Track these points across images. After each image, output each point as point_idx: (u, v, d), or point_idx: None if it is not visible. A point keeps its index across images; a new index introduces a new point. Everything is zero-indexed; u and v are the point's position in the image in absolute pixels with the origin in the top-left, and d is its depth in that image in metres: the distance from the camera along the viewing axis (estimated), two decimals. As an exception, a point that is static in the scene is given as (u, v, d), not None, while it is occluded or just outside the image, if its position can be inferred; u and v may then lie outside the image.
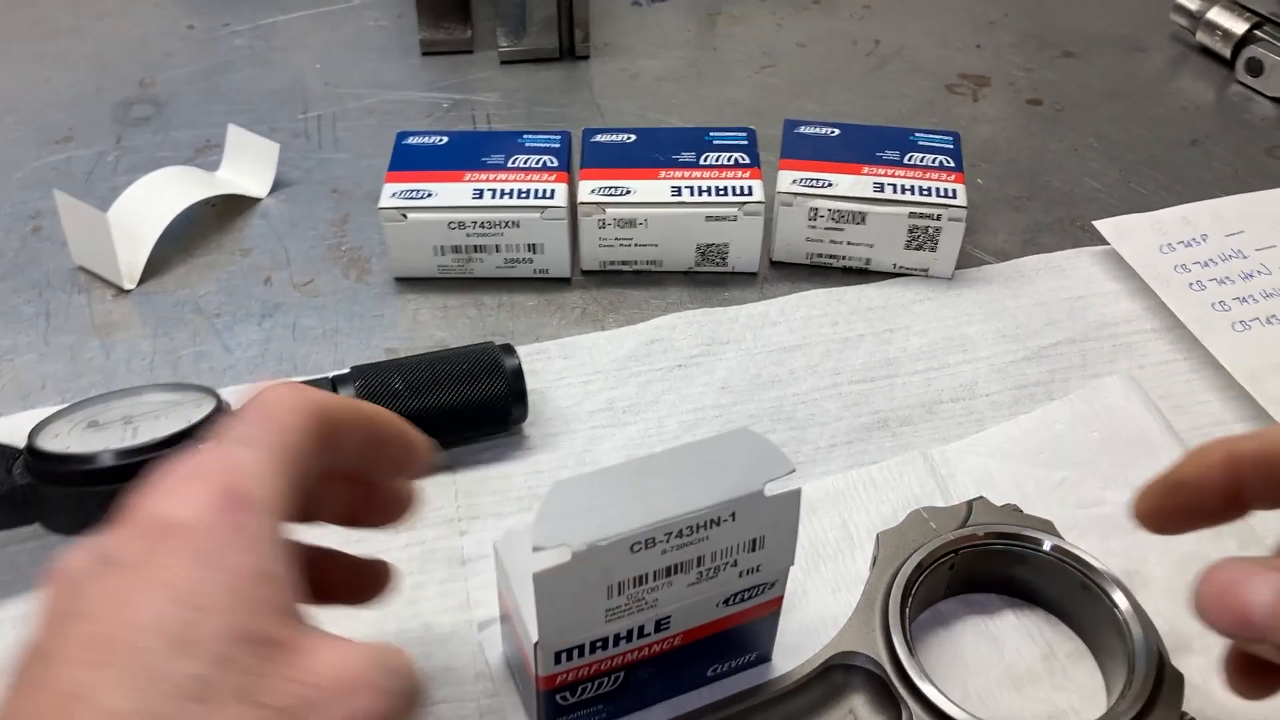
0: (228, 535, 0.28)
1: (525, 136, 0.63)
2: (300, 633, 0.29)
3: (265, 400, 0.32)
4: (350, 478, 0.38)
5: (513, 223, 0.59)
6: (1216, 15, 0.80)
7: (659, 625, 0.39)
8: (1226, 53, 0.80)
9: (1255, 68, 0.78)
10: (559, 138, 0.63)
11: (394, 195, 0.59)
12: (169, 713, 0.26)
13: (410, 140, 0.63)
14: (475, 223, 0.59)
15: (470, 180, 0.60)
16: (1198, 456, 0.36)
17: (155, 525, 0.29)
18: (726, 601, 0.40)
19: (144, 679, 0.26)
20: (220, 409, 0.47)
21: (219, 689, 0.26)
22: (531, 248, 0.60)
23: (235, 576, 0.28)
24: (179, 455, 0.31)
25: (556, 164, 0.61)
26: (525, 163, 0.61)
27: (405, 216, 0.58)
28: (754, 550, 0.39)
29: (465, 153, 0.62)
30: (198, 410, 0.47)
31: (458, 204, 0.59)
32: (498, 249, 0.60)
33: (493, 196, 0.59)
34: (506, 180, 0.60)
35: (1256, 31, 0.78)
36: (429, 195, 0.59)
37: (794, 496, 0.38)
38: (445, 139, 0.63)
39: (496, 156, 0.61)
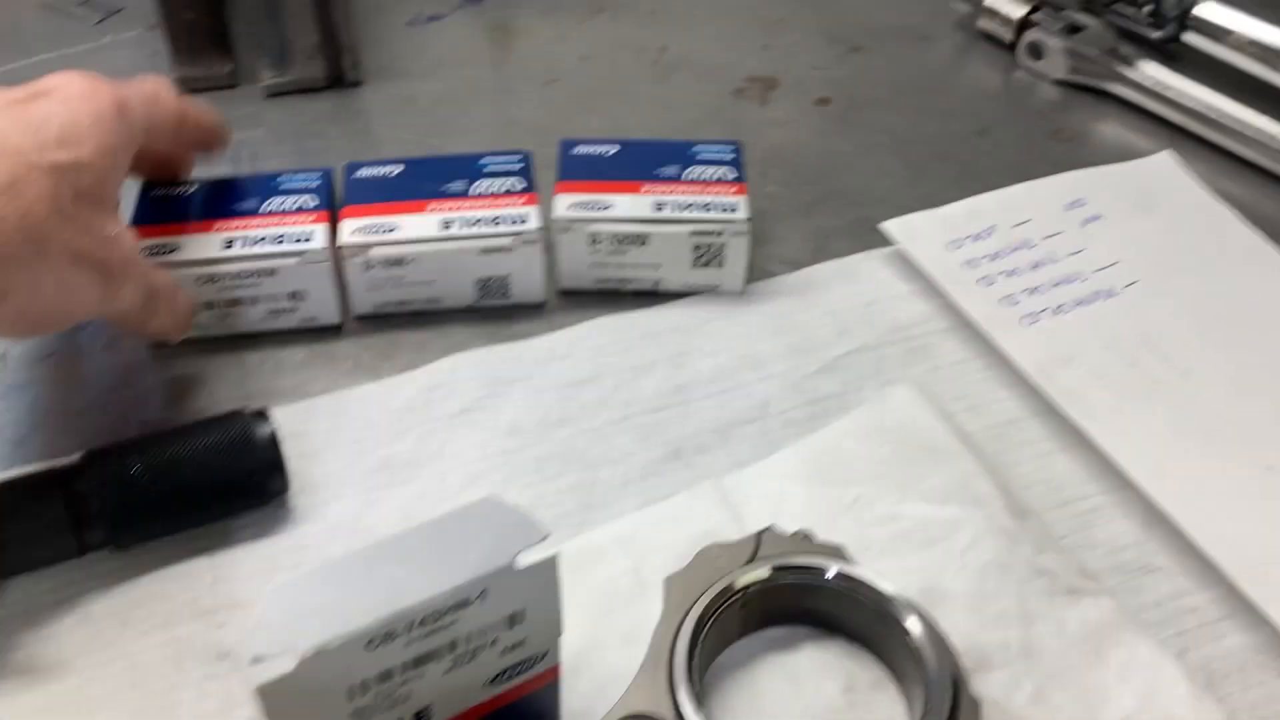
0: (101, 107, 0.47)
1: (281, 177, 0.59)
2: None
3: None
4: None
5: (268, 271, 0.55)
6: (995, 1, 0.80)
7: (419, 717, 0.36)
8: (1008, 38, 0.80)
9: (1036, 51, 0.78)
10: (319, 175, 0.59)
11: (140, 252, 0.54)
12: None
13: (156, 192, 0.58)
14: (228, 274, 0.54)
15: (220, 230, 0.55)
16: None
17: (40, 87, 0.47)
18: (494, 681, 0.37)
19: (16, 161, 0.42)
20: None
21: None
22: (294, 295, 0.56)
23: (105, 134, 0.46)
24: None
25: (316, 204, 0.57)
26: (281, 205, 0.57)
27: None
28: (514, 626, 0.36)
29: (214, 202, 0.57)
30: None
31: (207, 256, 0.54)
32: (256, 300, 0.56)
33: (245, 245, 0.54)
34: (260, 226, 0.55)
35: (1034, 16, 0.78)
36: (174, 250, 0.54)
37: (550, 565, 0.35)
38: (193, 187, 0.58)
39: (250, 201, 0.57)
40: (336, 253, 0.56)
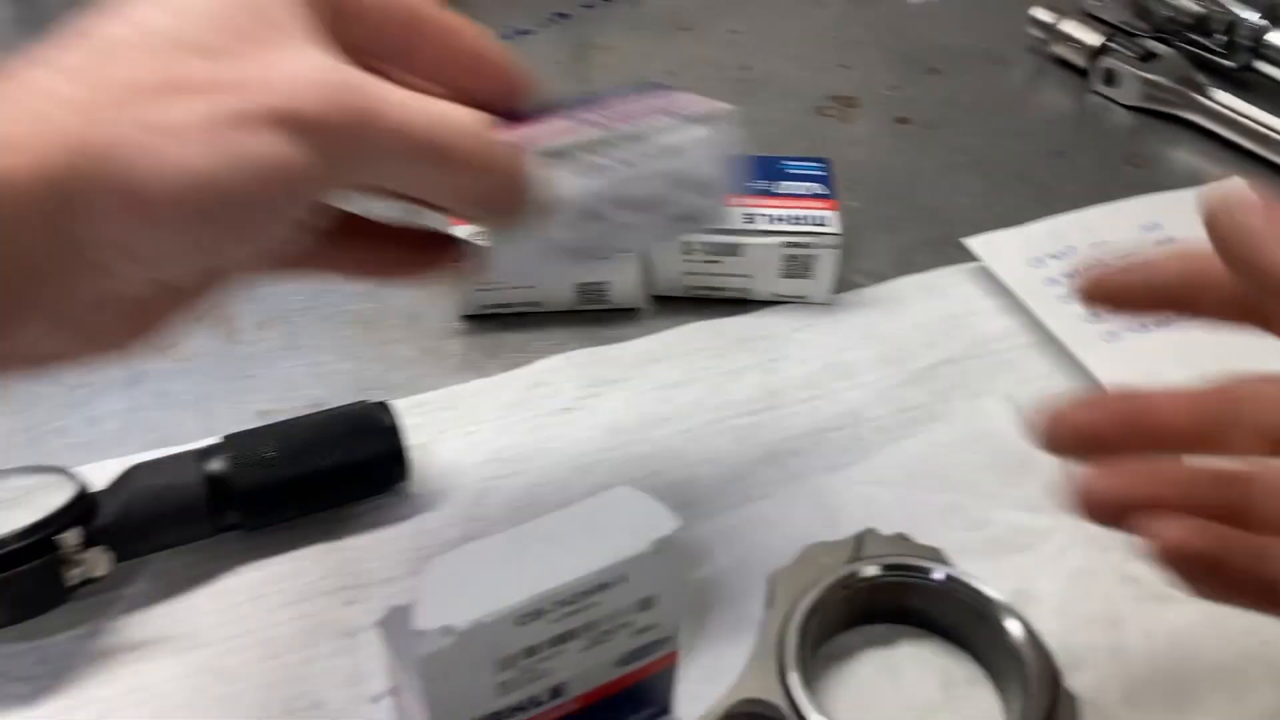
0: None
1: None
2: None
3: None
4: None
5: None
6: (1070, 28, 0.82)
7: (554, 693, 0.38)
8: (1082, 64, 0.82)
9: (1110, 78, 0.80)
10: None
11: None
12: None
13: None
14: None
15: None
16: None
17: None
18: (622, 662, 0.39)
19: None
20: (82, 495, 0.45)
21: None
22: None
23: None
24: None
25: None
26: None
27: None
28: (646, 609, 0.38)
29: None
30: (56, 495, 0.44)
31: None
32: None
33: None
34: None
35: (1109, 43, 0.80)
36: None
37: (679, 554, 0.37)
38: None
39: None
40: None
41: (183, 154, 0.28)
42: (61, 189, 0.27)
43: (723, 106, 0.35)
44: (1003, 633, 0.43)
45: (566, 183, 0.36)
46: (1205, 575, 0.32)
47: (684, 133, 0.36)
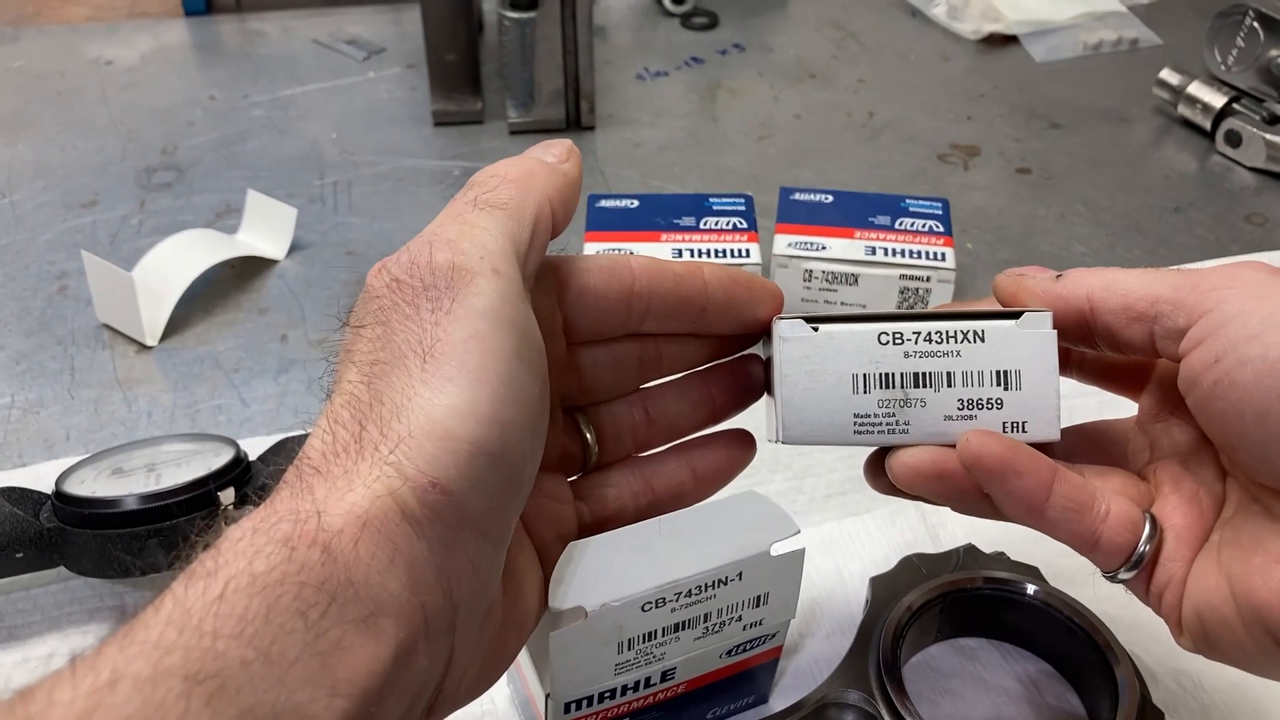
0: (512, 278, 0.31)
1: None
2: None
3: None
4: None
5: None
6: (1197, 90, 0.83)
7: (664, 676, 0.41)
8: (1207, 125, 0.83)
9: (1234, 139, 0.81)
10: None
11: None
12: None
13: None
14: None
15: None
16: None
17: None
18: (730, 652, 0.42)
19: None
20: (239, 458, 0.49)
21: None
22: None
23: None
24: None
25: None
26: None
27: None
28: (758, 606, 0.40)
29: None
30: (217, 458, 0.49)
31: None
32: None
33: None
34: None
35: (1234, 105, 0.81)
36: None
37: (798, 556, 0.39)
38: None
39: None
40: None
41: None
42: None
43: (1042, 311, 0.37)
44: (1096, 651, 0.44)
45: (856, 334, 0.37)
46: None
47: (991, 322, 0.37)
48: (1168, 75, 0.85)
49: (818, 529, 0.53)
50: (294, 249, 0.71)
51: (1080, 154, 0.81)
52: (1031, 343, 0.37)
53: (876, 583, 0.47)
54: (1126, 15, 0.98)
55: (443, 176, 0.78)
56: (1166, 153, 0.82)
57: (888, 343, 0.37)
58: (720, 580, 0.38)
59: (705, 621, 0.39)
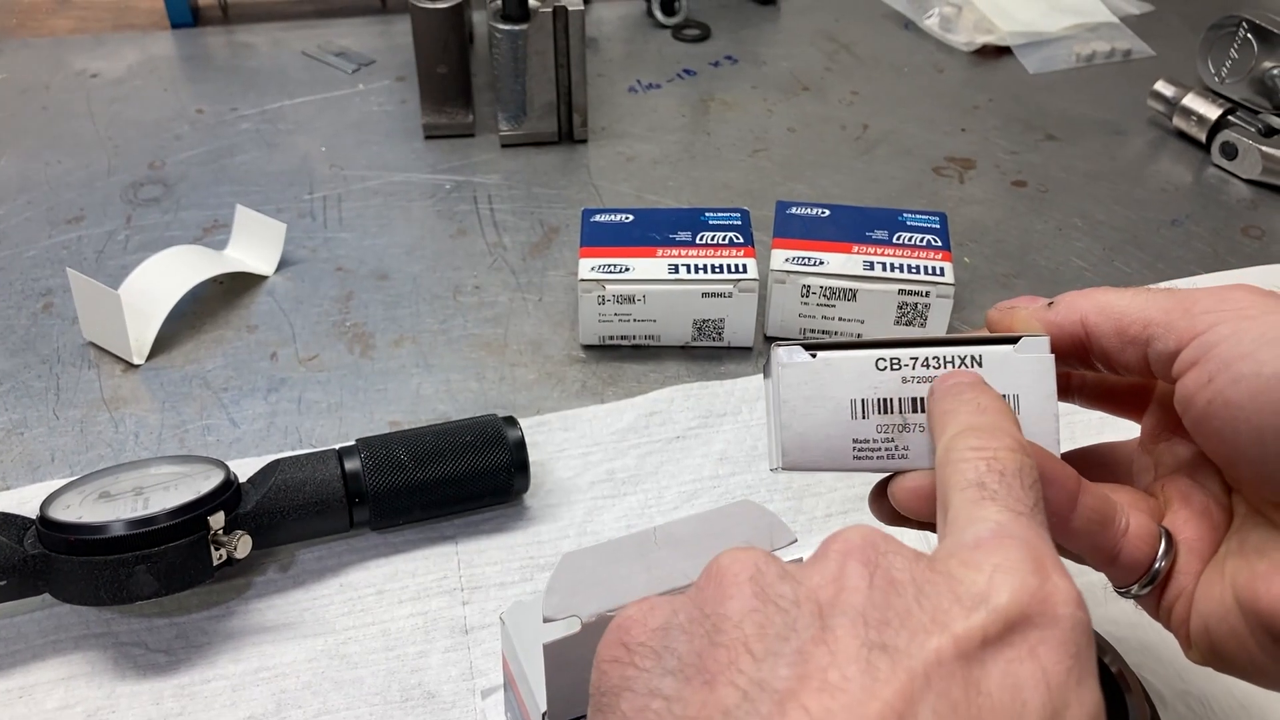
0: (1084, 638, 0.27)
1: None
2: None
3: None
4: None
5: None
6: (1192, 102, 0.83)
7: (661, 690, 0.40)
8: (1202, 137, 0.82)
9: (1230, 151, 0.80)
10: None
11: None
12: None
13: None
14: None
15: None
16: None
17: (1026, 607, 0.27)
18: (728, 666, 0.41)
19: None
20: (229, 480, 0.48)
21: None
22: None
23: (1091, 692, 0.26)
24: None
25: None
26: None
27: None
28: (754, 616, 0.39)
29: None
30: (206, 481, 0.48)
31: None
32: None
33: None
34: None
35: (1229, 117, 0.81)
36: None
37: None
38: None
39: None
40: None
41: None
42: None
43: (1039, 336, 0.37)
44: (1104, 675, 0.44)
45: (854, 360, 0.37)
46: None
47: (988, 348, 0.37)
48: (1162, 87, 0.85)
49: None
50: (283, 265, 0.70)
51: (1076, 167, 0.81)
52: (1030, 367, 0.37)
53: (880, 605, 0.46)
54: (1119, 26, 0.97)
55: (434, 190, 0.77)
56: (1162, 165, 0.82)
57: (885, 368, 0.36)
58: None
59: None
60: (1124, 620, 0.48)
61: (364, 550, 0.52)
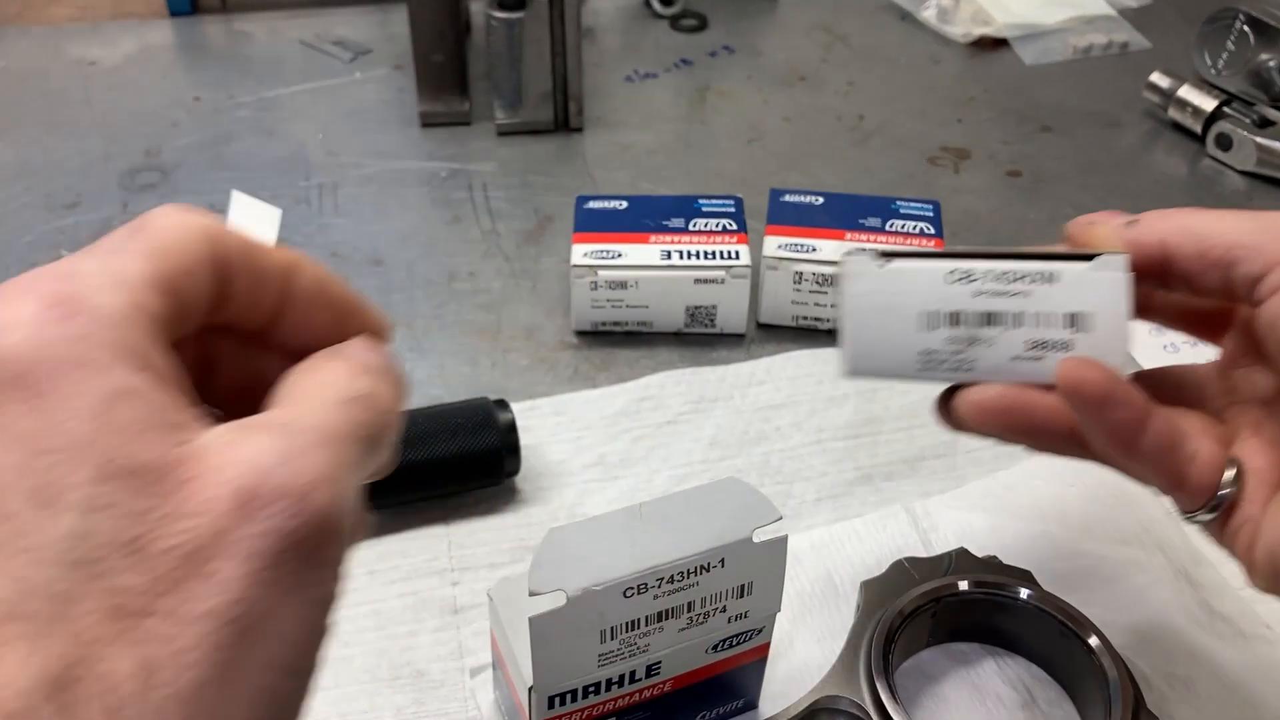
0: (64, 352, 0.22)
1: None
2: (185, 449, 0.23)
3: (142, 220, 0.26)
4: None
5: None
6: (1187, 93, 0.83)
7: (650, 671, 0.40)
8: (1197, 128, 0.82)
9: (1225, 143, 0.81)
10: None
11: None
12: (56, 588, 0.21)
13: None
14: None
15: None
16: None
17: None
18: (715, 648, 0.41)
19: (17, 552, 0.21)
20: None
21: (102, 544, 0.21)
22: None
23: (85, 401, 0.22)
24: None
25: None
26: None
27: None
28: (742, 596, 0.40)
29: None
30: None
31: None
32: None
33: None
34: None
35: (1225, 109, 0.81)
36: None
37: (781, 543, 0.39)
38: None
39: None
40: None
41: None
42: None
43: (1117, 254, 0.36)
44: (1089, 655, 0.44)
45: (925, 272, 0.36)
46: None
47: (1063, 264, 0.36)
48: (1158, 79, 0.85)
49: (807, 533, 0.52)
50: (279, 250, 0.70)
51: (1070, 158, 0.81)
52: (1105, 286, 0.36)
53: (868, 587, 0.47)
54: (1116, 19, 0.97)
55: (429, 178, 0.77)
56: (1157, 156, 0.82)
57: (957, 281, 0.36)
58: (703, 566, 0.38)
59: (689, 611, 0.39)
60: (1109, 603, 0.48)
61: (355, 531, 0.52)
